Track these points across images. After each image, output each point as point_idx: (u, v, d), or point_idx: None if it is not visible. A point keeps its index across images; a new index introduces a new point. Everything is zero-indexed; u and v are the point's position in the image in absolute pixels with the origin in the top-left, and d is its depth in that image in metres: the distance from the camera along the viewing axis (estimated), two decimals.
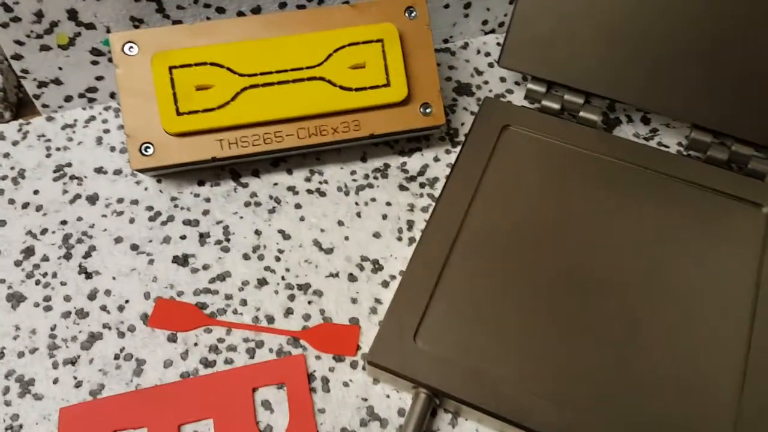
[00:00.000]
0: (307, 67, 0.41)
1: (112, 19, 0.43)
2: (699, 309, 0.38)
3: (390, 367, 0.36)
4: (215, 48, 0.40)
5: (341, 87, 0.41)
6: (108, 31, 0.44)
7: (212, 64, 0.40)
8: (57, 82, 0.45)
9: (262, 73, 0.40)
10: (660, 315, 0.38)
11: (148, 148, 0.41)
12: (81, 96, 0.47)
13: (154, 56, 0.40)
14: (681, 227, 0.41)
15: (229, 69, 0.40)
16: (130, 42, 0.40)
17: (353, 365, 0.38)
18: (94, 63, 0.45)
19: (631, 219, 0.41)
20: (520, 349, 0.37)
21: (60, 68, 0.45)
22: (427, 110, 0.43)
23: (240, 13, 0.45)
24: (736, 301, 0.38)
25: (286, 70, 0.41)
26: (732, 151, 0.43)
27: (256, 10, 0.45)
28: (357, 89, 0.41)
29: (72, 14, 0.42)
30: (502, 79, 0.50)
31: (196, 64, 0.40)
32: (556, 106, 0.45)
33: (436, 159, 0.46)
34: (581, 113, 0.45)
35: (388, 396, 0.37)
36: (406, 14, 0.43)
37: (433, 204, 0.44)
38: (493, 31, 0.52)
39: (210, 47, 0.40)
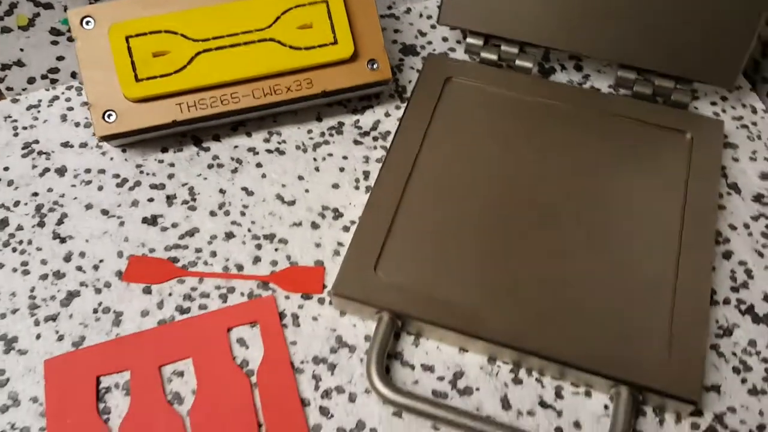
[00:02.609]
0: (257, 30, 0.43)
1: None
2: (634, 227, 0.42)
3: (354, 296, 0.39)
4: (169, 16, 0.43)
5: (291, 47, 0.44)
6: (65, 10, 0.46)
7: (166, 31, 0.43)
8: (19, 63, 0.47)
9: (214, 38, 0.43)
10: (599, 235, 0.41)
11: (111, 115, 0.43)
12: (44, 77, 0.49)
13: (110, 27, 0.42)
14: (615, 156, 0.44)
15: (183, 35, 0.43)
16: (87, 16, 0.43)
17: (320, 302, 0.41)
18: (54, 43, 0.47)
19: (569, 152, 0.45)
20: (470, 271, 0.40)
21: (21, 50, 0.47)
22: (374, 66, 0.46)
23: None
24: (667, 217, 0.42)
25: (237, 34, 0.43)
26: (656, 85, 0.47)
27: None
28: (306, 48, 0.44)
29: None
30: (444, 39, 0.53)
31: (151, 33, 0.42)
32: (493, 57, 0.49)
33: (387, 114, 0.49)
34: (517, 62, 0.48)
35: (354, 325, 0.40)
36: None
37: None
38: None
39: (163, 16, 0.43)
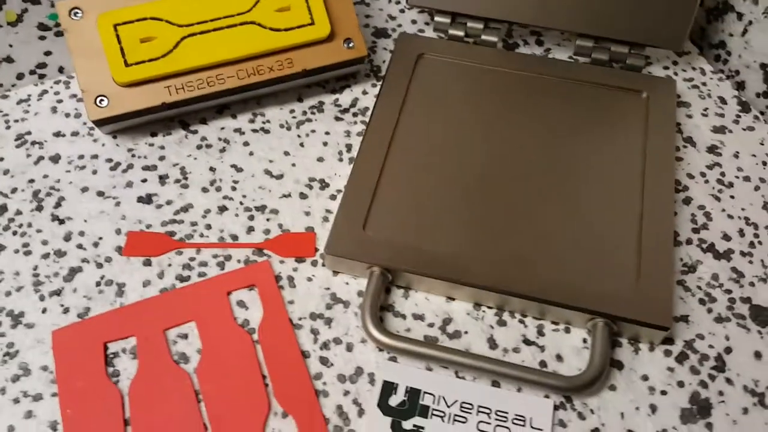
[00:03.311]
0: (238, 14, 0.46)
1: None
2: (601, 178, 0.45)
3: (346, 254, 0.41)
4: (154, 4, 0.45)
5: (271, 28, 0.46)
6: (52, 5, 0.48)
7: (152, 18, 0.45)
8: (8, 60, 0.49)
9: (198, 23, 0.45)
10: (569, 186, 0.45)
11: (103, 100, 0.45)
12: (32, 72, 0.50)
13: (99, 17, 0.44)
14: (579, 116, 0.48)
15: (168, 21, 0.45)
16: (75, 8, 0.45)
17: (314, 264, 0.43)
18: (42, 38, 0.49)
19: (537, 115, 0.48)
20: (452, 224, 0.43)
21: (10, 45, 0.49)
22: (350, 44, 0.48)
23: None
24: (630, 168, 0.45)
25: (219, 18, 0.46)
26: (611, 51, 0.51)
27: None
28: (285, 29, 0.47)
29: None
30: (413, 21, 0.56)
31: (138, 20, 0.45)
32: (460, 33, 0.52)
33: (365, 92, 0.52)
34: (483, 37, 0.52)
35: (347, 283, 0.42)
36: None
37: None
38: None
39: (149, 4, 0.45)
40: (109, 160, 0.47)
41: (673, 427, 0.38)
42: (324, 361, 0.39)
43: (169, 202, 0.46)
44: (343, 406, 0.38)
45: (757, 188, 0.47)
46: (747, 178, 0.48)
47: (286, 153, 0.48)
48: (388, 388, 0.38)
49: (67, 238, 0.44)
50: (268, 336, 0.40)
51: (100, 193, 0.46)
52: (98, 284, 0.42)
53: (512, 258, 0.41)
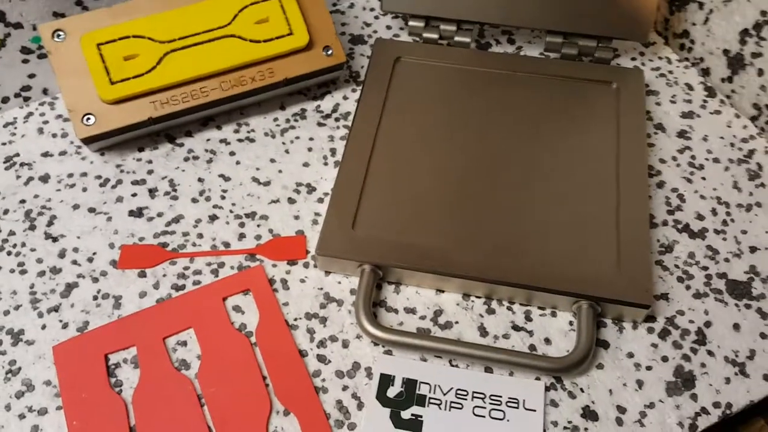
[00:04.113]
0: (218, 28, 0.47)
1: (37, 17, 0.48)
2: (577, 167, 0.47)
3: (336, 254, 0.43)
4: (135, 23, 0.46)
5: (251, 40, 0.48)
6: (34, 29, 0.49)
7: (135, 36, 0.46)
8: None
9: (180, 38, 0.47)
10: (547, 175, 0.46)
11: (90, 118, 0.46)
12: (17, 96, 0.51)
13: (82, 37, 0.45)
14: (553, 109, 0.50)
15: (150, 38, 0.46)
16: (58, 30, 0.46)
17: (305, 266, 0.44)
18: (25, 62, 0.50)
19: (513, 109, 0.50)
20: (437, 218, 0.44)
21: None
22: (329, 52, 0.50)
23: None
24: (604, 156, 0.47)
25: (200, 33, 0.47)
26: (580, 45, 0.52)
27: None
28: (265, 41, 0.48)
29: (0, 16, 0.47)
30: (388, 27, 0.58)
31: (121, 39, 0.46)
32: (434, 36, 0.54)
33: (345, 98, 0.53)
34: (456, 38, 0.54)
35: (339, 282, 0.44)
36: None
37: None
38: None
39: (130, 22, 0.46)
40: (99, 177, 0.48)
41: (659, 400, 0.39)
42: (321, 358, 0.41)
43: (160, 215, 0.46)
44: (342, 401, 0.39)
45: (726, 169, 0.49)
46: (716, 160, 0.50)
47: (272, 160, 0.49)
48: (385, 380, 0.40)
49: (62, 255, 0.44)
50: (266, 338, 0.41)
51: (92, 210, 0.47)
52: (95, 298, 0.43)
53: (497, 248, 0.43)
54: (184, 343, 0.41)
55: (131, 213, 0.46)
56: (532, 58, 0.52)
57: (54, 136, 0.50)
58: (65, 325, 0.42)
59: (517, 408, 0.39)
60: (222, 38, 0.47)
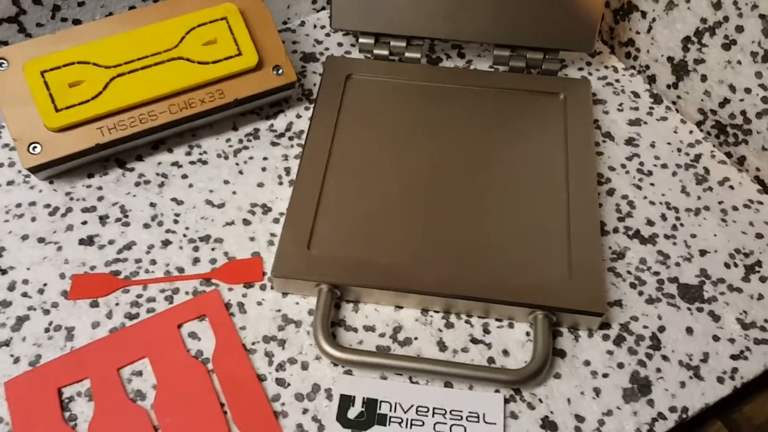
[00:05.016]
0: (165, 51, 0.47)
1: None
2: (528, 178, 0.47)
3: (293, 275, 0.42)
4: (79, 48, 0.46)
5: (199, 62, 0.47)
6: None
7: (79, 62, 0.45)
8: None
9: (126, 62, 0.46)
10: (499, 187, 0.47)
11: (36, 147, 0.45)
12: None
13: (25, 65, 0.45)
14: (502, 121, 0.50)
15: (95, 64, 0.46)
16: (0, 58, 0.45)
17: (262, 288, 0.44)
18: None
19: (464, 123, 0.50)
20: (393, 235, 0.44)
21: None
22: (279, 71, 0.50)
23: None
24: (554, 166, 0.48)
25: (147, 56, 0.46)
26: (528, 58, 0.53)
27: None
28: (214, 62, 0.48)
29: None
30: (339, 44, 0.58)
31: (65, 65, 0.45)
32: (385, 52, 0.54)
33: (298, 116, 0.53)
34: (407, 54, 0.54)
35: (297, 303, 0.43)
36: None
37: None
38: (323, 8, 0.60)
39: (74, 48, 0.45)
40: (48, 206, 0.47)
41: (617, 407, 0.40)
42: (280, 382, 0.40)
43: (111, 242, 0.46)
44: (303, 425, 0.39)
45: (674, 174, 0.50)
46: (664, 166, 0.51)
47: (226, 182, 0.49)
48: (346, 401, 0.40)
49: (11, 287, 0.43)
50: (223, 364, 0.41)
51: (41, 240, 0.46)
52: (47, 330, 0.42)
53: (453, 262, 0.43)
54: (140, 373, 0.40)
55: (82, 241, 0.46)
56: (482, 72, 0.53)
57: (0, 165, 0.49)
58: (17, 360, 0.41)
59: (478, 422, 0.39)
60: (169, 61, 0.47)
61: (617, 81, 0.56)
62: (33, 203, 0.47)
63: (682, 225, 0.48)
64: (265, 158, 0.50)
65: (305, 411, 0.39)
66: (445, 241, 0.44)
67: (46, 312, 0.43)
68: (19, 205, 0.47)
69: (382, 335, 0.42)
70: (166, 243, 0.46)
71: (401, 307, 0.43)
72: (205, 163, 0.50)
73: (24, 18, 0.49)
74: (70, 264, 0.45)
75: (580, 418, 0.39)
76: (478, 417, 0.39)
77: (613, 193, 0.49)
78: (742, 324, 0.43)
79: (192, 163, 0.50)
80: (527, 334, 0.42)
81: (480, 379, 0.40)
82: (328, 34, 0.58)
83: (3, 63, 0.45)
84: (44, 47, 0.46)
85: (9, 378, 0.40)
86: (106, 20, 0.47)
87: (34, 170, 0.46)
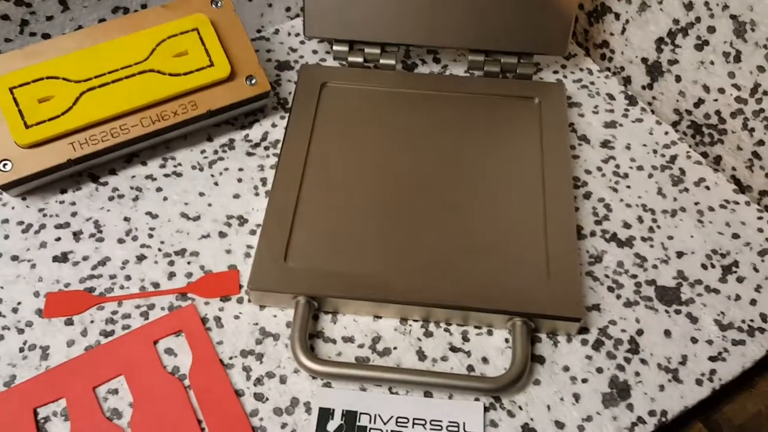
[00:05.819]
0: (136, 63, 0.46)
1: None
2: (504, 182, 0.47)
3: (269, 288, 0.42)
4: (48, 64, 0.45)
5: (170, 74, 0.47)
6: None
7: (48, 77, 0.45)
8: None
9: (96, 76, 0.45)
10: (475, 193, 0.47)
11: (6, 164, 0.44)
12: None
13: None
14: (478, 126, 0.50)
15: (64, 79, 0.45)
16: None
17: (239, 301, 0.44)
18: None
19: (440, 128, 0.50)
20: (370, 245, 0.44)
21: None
22: (252, 81, 0.49)
23: None
24: (530, 171, 0.48)
25: (117, 69, 0.46)
26: (502, 63, 0.53)
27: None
28: (185, 74, 0.47)
29: None
30: (314, 52, 0.57)
31: (34, 81, 0.45)
32: (359, 59, 0.54)
33: (274, 125, 0.53)
34: (381, 61, 0.54)
35: (275, 316, 0.43)
36: (213, 5, 0.49)
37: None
38: (297, 16, 0.60)
39: (43, 63, 0.45)
40: (21, 223, 0.47)
41: (597, 412, 0.40)
42: (259, 397, 0.40)
43: (85, 258, 0.45)
44: None
45: (650, 176, 0.51)
46: (640, 167, 0.51)
47: (201, 194, 0.49)
48: (325, 414, 0.39)
49: None
50: (200, 380, 0.40)
51: (15, 258, 0.45)
52: (21, 350, 0.41)
53: (431, 270, 0.43)
54: (116, 391, 0.40)
55: (55, 258, 0.45)
56: (457, 78, 0.53)
57: None
58: None
59: (458, 431, 0.39)
60: (140, 74, 0.46)
61: (592, 83, 0.56)
62: (5, 221, 0.47)
63: (658, 227, 0.48)
64: (240, 169, 0.50)
65: (284, 425, 0.39)
66: (423, 249, 0.44)
67: (21, 331, 0.42)
68: None
69: (361, 346, 0.42)
70: (141, 258, 0.45)
71: (380, 317, 0.43)
72: (179, 175, 0.49)
73: None
74: (44, 282, 0.44)
75: (560, 425, 0.39)
76: (458, 426, 0.39)
77: (590, 197, 0.49)
78: (720, 325, 0.43)
79: (166, 175, 0.49)
80: (506, 341, 0.42)
81: (459, 388, 0.39)
82: (302, 42, 0.58)
83: None
84: (12, 63, 0.45)
85: None
86: (75, 34, 0.46)
87: (6, 187, 0.45)
